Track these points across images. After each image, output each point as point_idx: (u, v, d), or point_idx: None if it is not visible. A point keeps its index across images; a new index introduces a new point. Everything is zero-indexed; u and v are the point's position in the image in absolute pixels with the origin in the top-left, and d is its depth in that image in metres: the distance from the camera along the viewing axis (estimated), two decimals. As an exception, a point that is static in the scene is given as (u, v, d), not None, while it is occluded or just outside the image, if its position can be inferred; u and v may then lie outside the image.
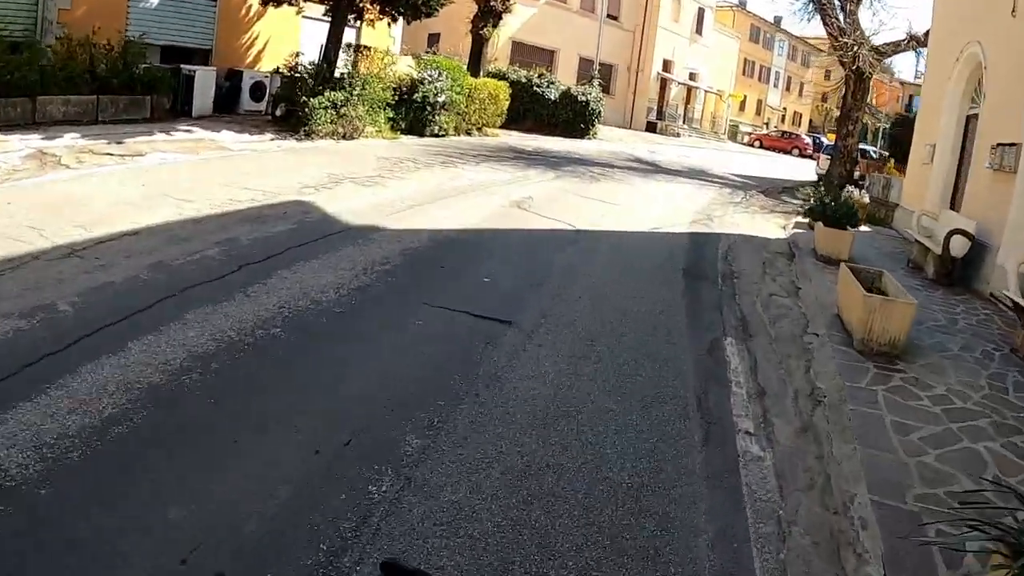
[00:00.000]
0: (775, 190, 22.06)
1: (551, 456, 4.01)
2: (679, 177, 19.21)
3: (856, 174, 24.45)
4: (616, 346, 5.86)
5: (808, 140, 48.74)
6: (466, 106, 21.30)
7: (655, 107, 42.29)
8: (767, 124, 62.55)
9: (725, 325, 6.88)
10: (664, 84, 43.12)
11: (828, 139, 52.97)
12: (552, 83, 27.87)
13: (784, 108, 67.77)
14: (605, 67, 41.10)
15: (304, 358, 4.83)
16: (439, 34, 38.57)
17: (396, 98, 18.46)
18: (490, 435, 4.13)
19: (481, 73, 23.62)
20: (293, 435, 3.86)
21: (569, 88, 27.52)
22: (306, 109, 15.16)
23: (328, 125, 15.57)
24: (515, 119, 27.14)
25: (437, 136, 19.47)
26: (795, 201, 19.97)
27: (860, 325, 6.35)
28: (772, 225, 14.14)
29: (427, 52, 33.76)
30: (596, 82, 28.26)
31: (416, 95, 18.95)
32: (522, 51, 37.53)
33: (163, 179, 9.51)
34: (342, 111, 15.94)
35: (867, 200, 15.65)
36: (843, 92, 23.29)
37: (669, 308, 7.10)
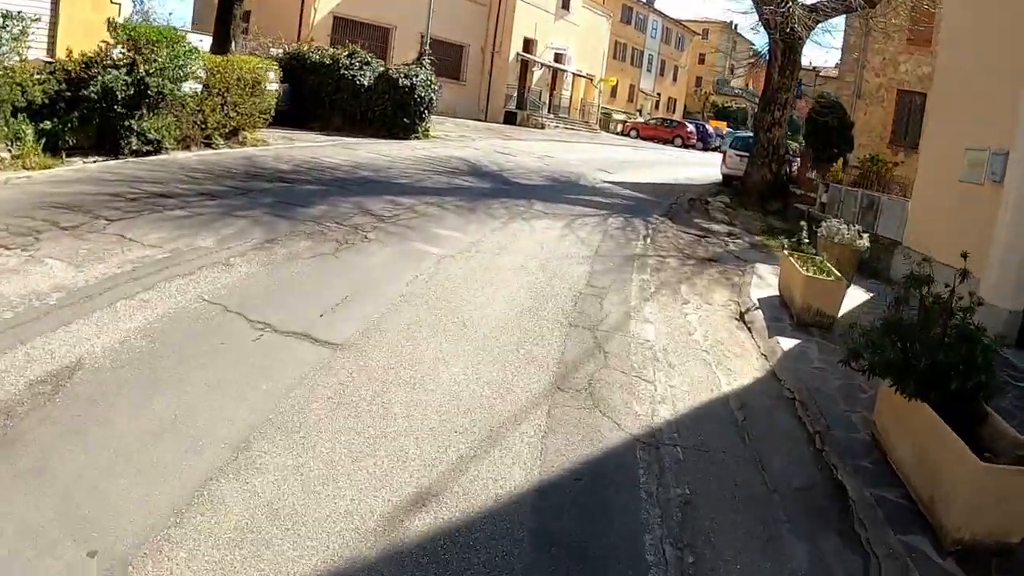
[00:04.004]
0: (681, 206, 15.20)
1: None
2: (535, 202, 11.62)
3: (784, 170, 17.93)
4: None
5: (692, 128, 43.01)
6: (200, 101, 13.07)
7: (515, 94, 35.09)
8: (640, 111, 57.07)
9: None
10: (525, 67, 35.97)
11: (712, 126, 47.82)
12: (367, 64, 19.88)
13: (658, 94, 62.65)
14: (454, 48, 33.71)
15: None
16: (250, 12, 30.15)
17: (57, 95, 10.24)
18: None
19: (234, 48, 15.25)
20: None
21: (387, 69, 19.58)
22: None
23: None
24: (317, 115, 19.22)
25: (142, 154, 11.24)
26: (717, 227, 13.14)
27: None
28: (721, 320, 6.93)
29: (251, 38, 25.43)
30: (426, 59, 20.43)
31: (90, 89, 10.58)
32: (347, 29, 29.31)
33: None
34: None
35: (866, 243, 8.82)
36: (767, 66, 16.67)
37: None
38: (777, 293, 7.91)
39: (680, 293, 7.54)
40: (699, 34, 68.44)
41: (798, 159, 19.05)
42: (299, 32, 27.94)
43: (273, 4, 28.55)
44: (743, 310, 7.29)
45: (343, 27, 29.53)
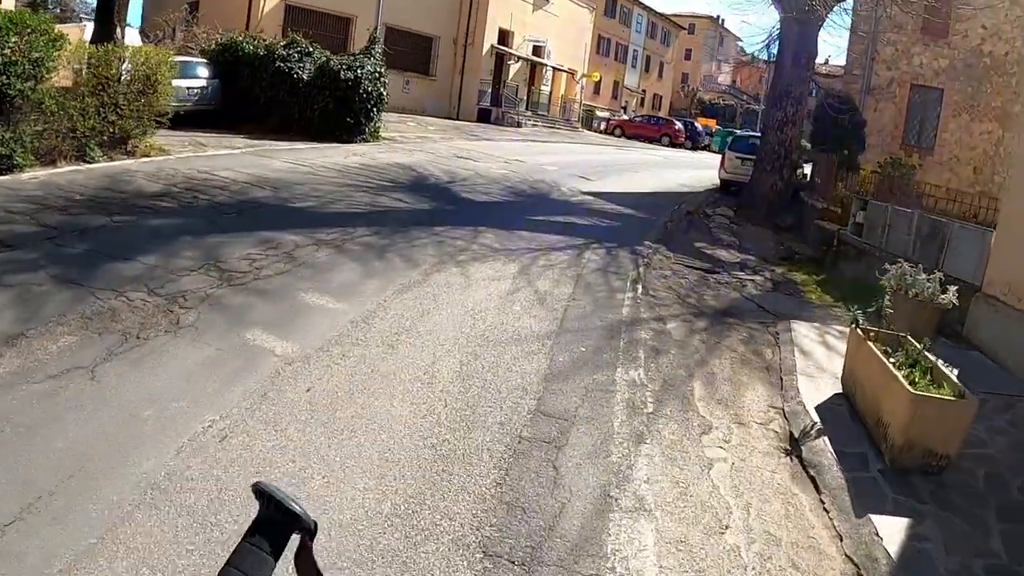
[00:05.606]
0: (678, 223, 12.46)
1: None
2: (484, 230, 8.52)
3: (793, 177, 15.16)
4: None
5: (680, 125, 40.30)
6: (67, 104, 10.20)
7: (490, 90, 32.25)
8: (625, 108, 54.38)
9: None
10: (501, 61, 33.13)
11: (701, 124, 45.14)
12: (308, 54, 17.01)
13: (643, 90, 59.97)
14: (423, 39, 30.90)
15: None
16: (197, 2, 27.24)
17: None
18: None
19: (120, 36, 12.16)
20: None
21: (328, 60, 16.65)
22: None
23: None
24: (253, 115, 16.36)
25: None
26: (725, 252, 10.46)
27: None
28: (766, 467, 4.16)
29: (185, 29, 22.59)
30: (377, 48, 17.49)
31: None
32: (302, 19, 26.27)
33: None
34: None
35: (952, 298, 6.05)
36: (778, 54, 13.89)
37: None
38: (839, 389, 5.15)
39: (693, 405, 4.72)
40: (685, 29, 65.82)
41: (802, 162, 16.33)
42: (247, 23, 25.03)
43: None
44: (796, 433, 4.50)
45: (297, 17, 26.53)
